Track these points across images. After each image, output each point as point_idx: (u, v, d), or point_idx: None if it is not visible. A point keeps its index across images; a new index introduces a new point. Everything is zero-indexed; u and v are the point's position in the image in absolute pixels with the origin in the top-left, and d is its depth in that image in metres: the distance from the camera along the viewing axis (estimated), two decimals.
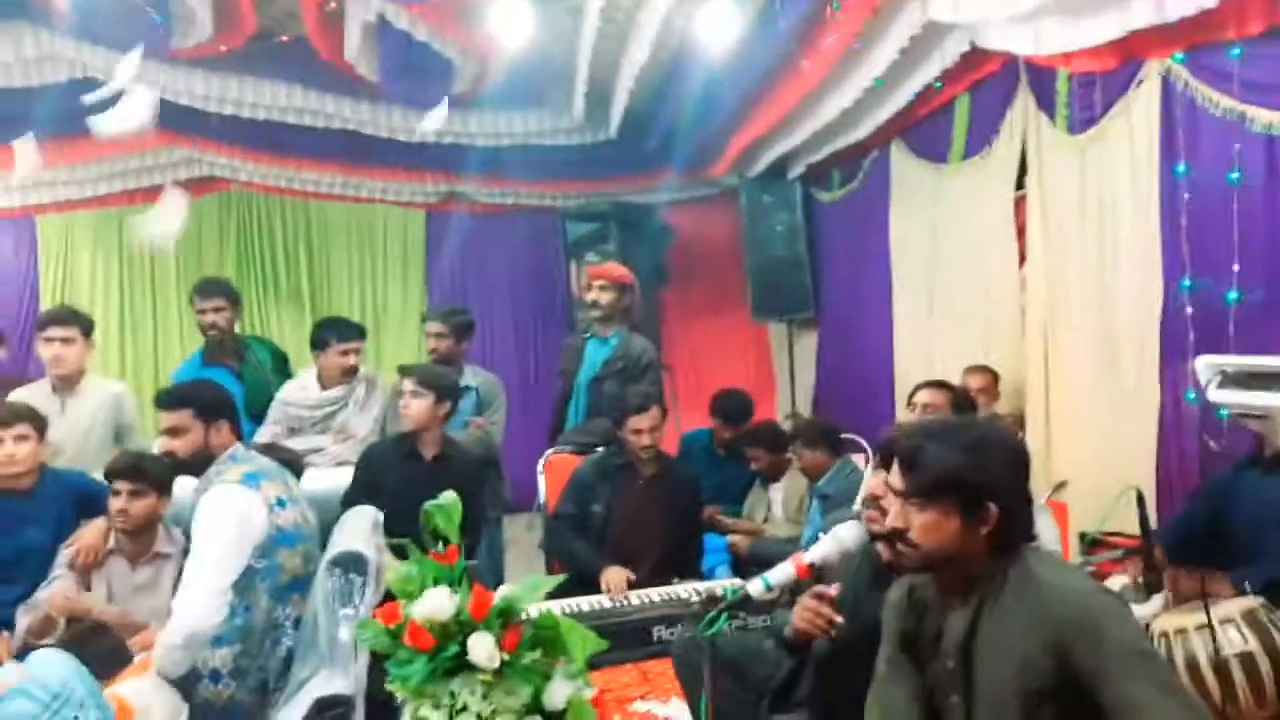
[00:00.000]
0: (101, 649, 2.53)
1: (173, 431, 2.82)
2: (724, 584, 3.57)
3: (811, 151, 6.28)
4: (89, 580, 3.08)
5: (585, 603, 3.49)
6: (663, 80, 5.81)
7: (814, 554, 2.14)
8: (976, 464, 1.73)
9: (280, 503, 2.78)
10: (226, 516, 2.65)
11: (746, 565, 4.02)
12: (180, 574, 3.02)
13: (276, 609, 2.72)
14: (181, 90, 5.57)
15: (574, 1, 5.18)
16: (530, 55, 5.20)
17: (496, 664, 1.85)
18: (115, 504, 3.02)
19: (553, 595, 3.71)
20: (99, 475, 3.54)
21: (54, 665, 2.16)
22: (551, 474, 4.17)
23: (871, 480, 2.27)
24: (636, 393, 3.89)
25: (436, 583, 1.94)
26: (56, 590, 2.95)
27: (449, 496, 2.12)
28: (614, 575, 3.55)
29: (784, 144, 6.24)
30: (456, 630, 1.87)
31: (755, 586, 2.06)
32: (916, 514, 1.76)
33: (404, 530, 2.41)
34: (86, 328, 3.70)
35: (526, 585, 2.00)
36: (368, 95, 5.96)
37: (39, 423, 3.24)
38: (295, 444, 3.83)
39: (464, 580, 1.95)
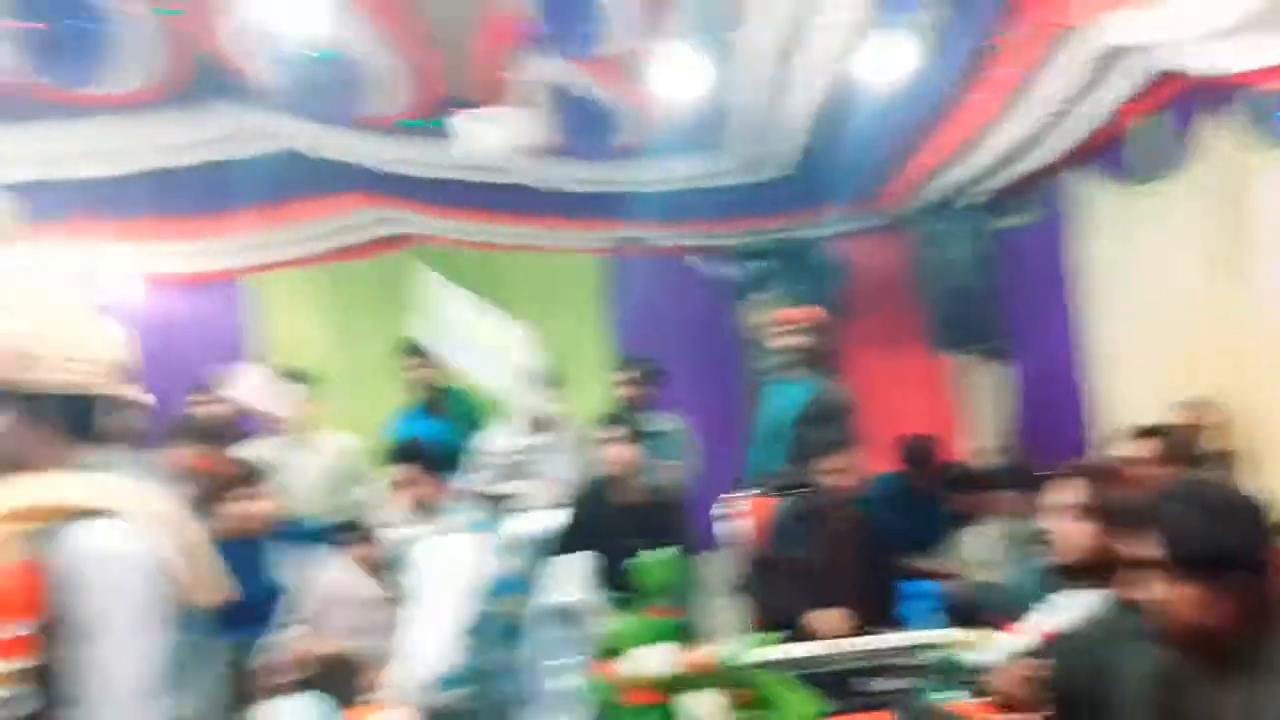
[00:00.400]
0: (344, 683, 2.71)
1: (403, 483, 3.04)
2: (935, 636, 3.43)
3: (989, 177, 6.14)
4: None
5: (782, 650, 3.45)
6: (829, 116, 5.83)
7: (1056, 621, 2.08)
8: (1237, 534, 1.69)
9: (500, 550, 2.94)
10: (453, 563, 2.82)
11: (951, 612, 3.90)
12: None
13: (498, 653, 2.86)
14: (374, 155, 5.97)
15: (736, 44, 5.29)
16: (694, 100, 5.33)
17: None
18: (356, 550, 3.28)
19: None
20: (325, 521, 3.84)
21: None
22: (744, 519, 4.19)
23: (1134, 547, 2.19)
24: (830, 436, 3.88)
25: (655, 638, 2.00)
26: (302, 632, 3.21)
27: (662, 550, 2.19)
28: (828, 620, 3.48)
29: (959, 172, 6.13)
30: (677, 687, 1.93)
31: (992, 654, 2.02)
32: (1176, 587, 1.71)
33: (611, 574, 2.49)
34: (312, 386, 4.05)
35: (744, 644, 2.04)
36: (540, 150, 6.23)
37: (268, 479, 3.57)
38: (497, 487, 4.01)
39: (682, 636, 2.01)
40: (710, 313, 7.60)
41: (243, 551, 3.50)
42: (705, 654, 1.93)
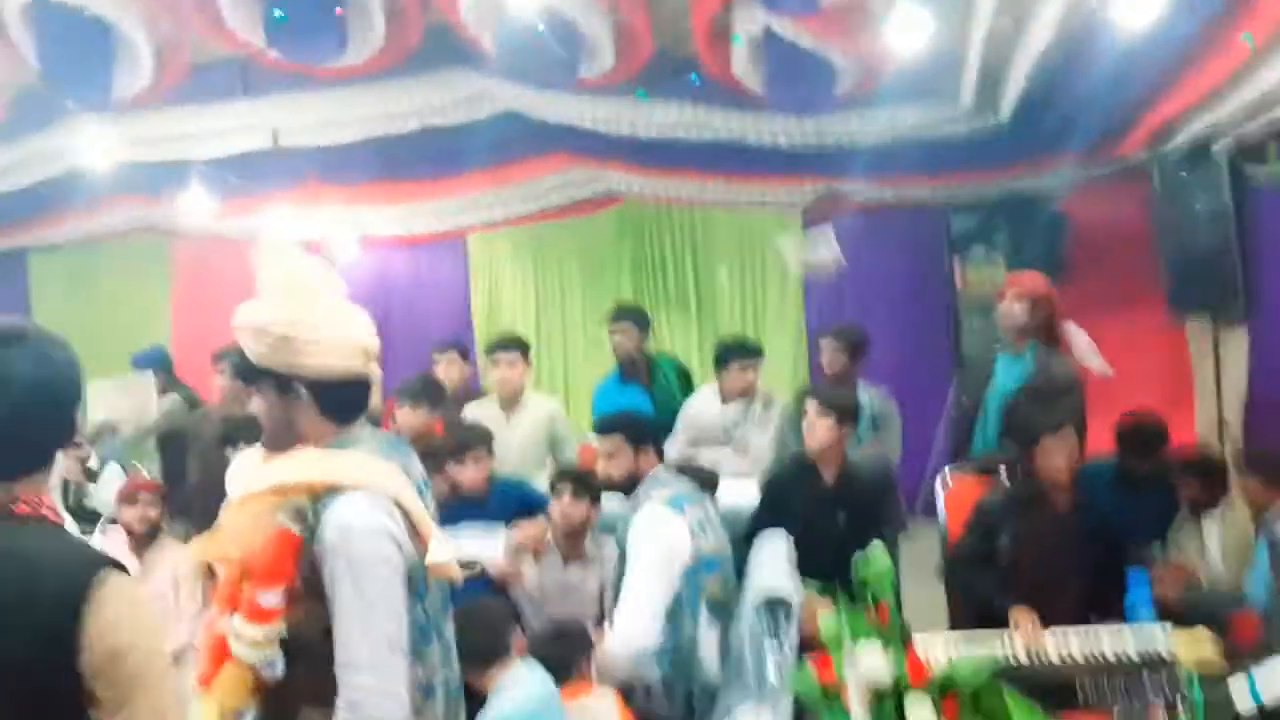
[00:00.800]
0: (564, 655, 2.79)
1: (608, 455, 3.10)
2: (1156, 637, 3.15)
3: (1243, 123, 5.52)
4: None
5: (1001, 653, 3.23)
6: (1065, 60, 5.38)
7: None
8: None
9: (702, 528, 2.96)
10: (658, 541, 2.86)
11: (1177, 617, 3.53)
12: (602, 582, 3.33)
13: (700, 631, 2.90)
14: (586, 116, 6.06)
15: None
16: (915, 48, 5.05)
17: None
18: (558, 506, 3.39)
19: (955, 625, 3.59)
20: (537, 484, 3.98)
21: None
22: (952, 502, 4.01)
23: None
24: (1050, 414, 3.55)
25: (871, 637, 1.96)
26: (499, 558, 3.37)
27: (873, 542, 2.13)
28: (1024, 617, 3.24)
29: (1208, 117, 5.54)
30: (891, 692, 1.88)
31: (1242, 700, 1.83)
32: None
33: (810, 554, 2.42)
34: (526, 351, 4.19)
35: (971, 664, 1.95)
36: (751, 106, 6.11)
37: (491, 443, 3.72)
38: (697, 456, 4.04)
39: (899, 640, 1.95)
40: (922, 275, 7.26)
41: (462, 516, 3.69)
42: (922, 667, 1.86)
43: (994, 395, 4.18)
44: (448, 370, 4.64)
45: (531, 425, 4.18)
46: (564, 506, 3.37)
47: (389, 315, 7.74)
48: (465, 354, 5.01)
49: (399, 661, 1.75)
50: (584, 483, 3.36)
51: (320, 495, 1.80)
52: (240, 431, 3.96)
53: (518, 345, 4.17)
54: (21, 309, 8.09)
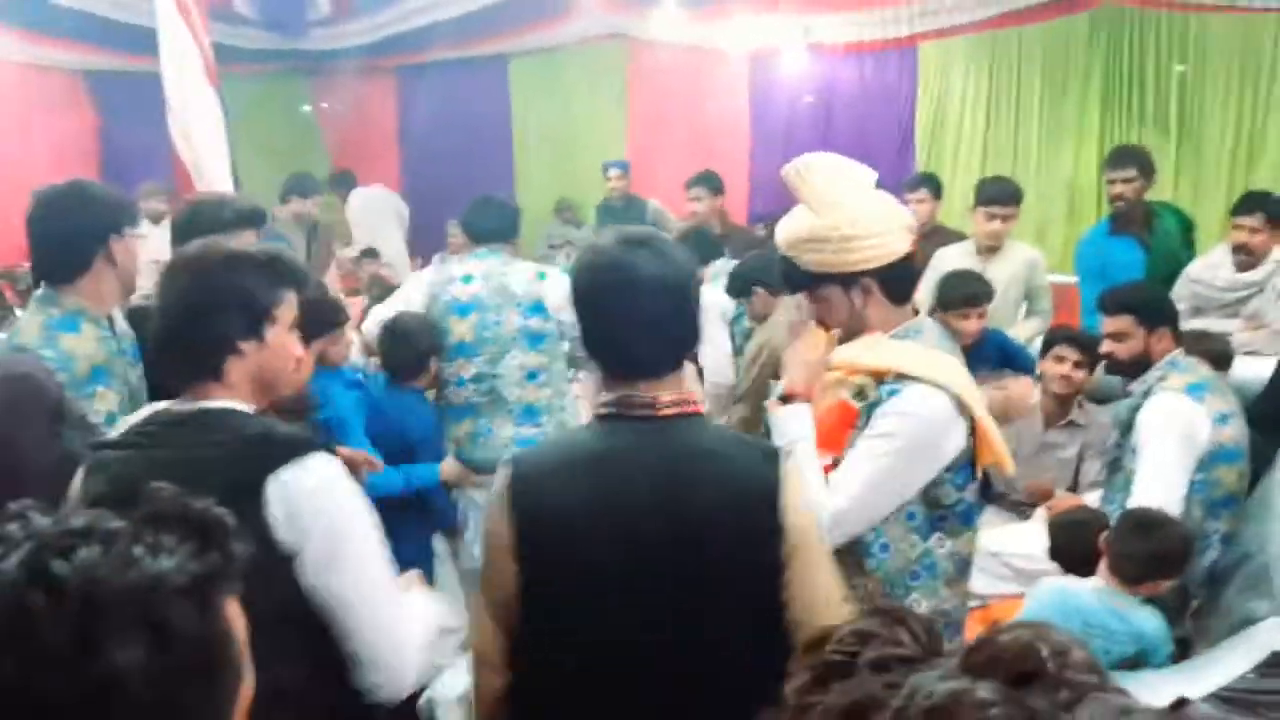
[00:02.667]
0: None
1: (1116, 336, 2.98)
2: None
3: None
4: None
5: None
6: None
7: None
8: None
9: (1223, 417, 2.82)
10: (1174, 426, 2.77)
11: None
12: (1082, 450, 3.33)
13: (1207, 521, 2.83)
14: None
15: None
16: None
17: None
18: (1057, 369, 3.38)
19: None
20: (1012, 333, 3.97)
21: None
22: None
23: None
24: None
25: None
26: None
27: None
28: None
29: None
30: None
31: None
32: None
33: None
34: (1019, 202, 4.04)
35: None
36: None
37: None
38: (1198, 325, 3.77)
39: None
40: None
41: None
42: None
43: None
44: (919, 209, 4.61)
45: (1010, 272, 4.09)
46: (1064, 370, 3.35)
47: (830, 124, 7.74)
48: (938, 191, 4.92)
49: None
50: (1089, 350, 3.29)
51: (885, 379, 1.97)
52: None
53: (1016, 200, 4.02)
54: (504, 106, 9.08)
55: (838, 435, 2.04)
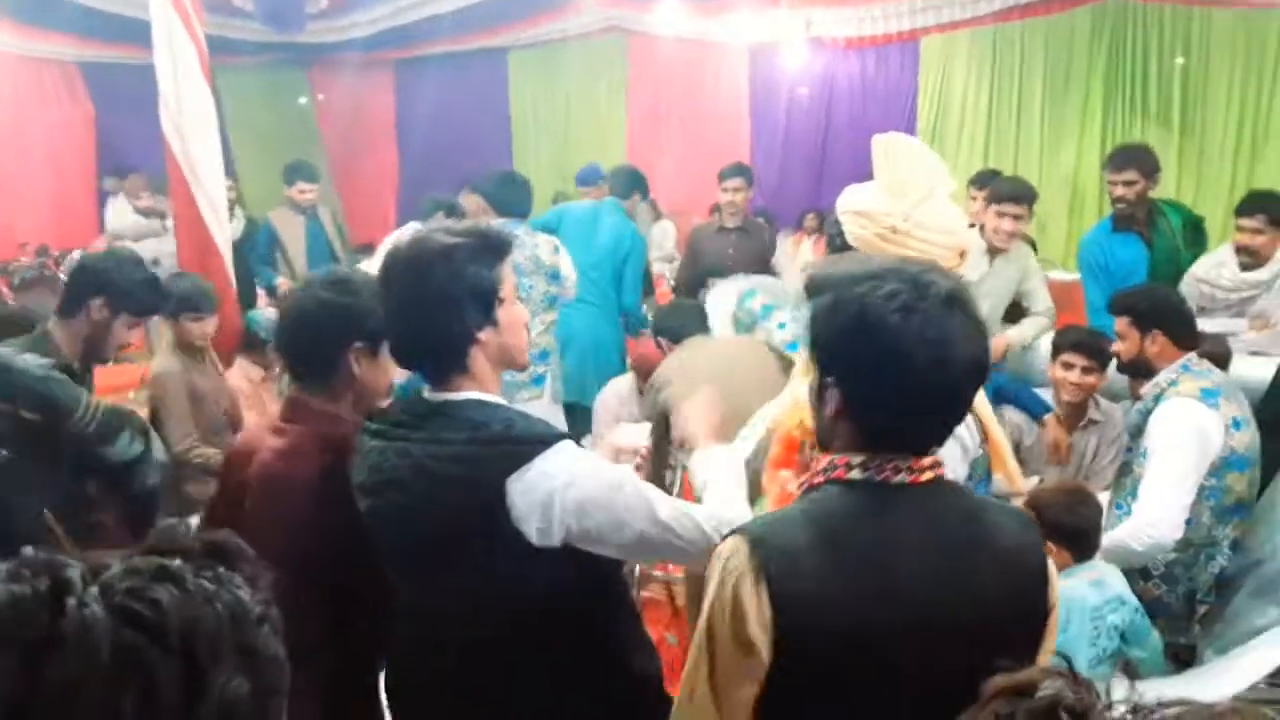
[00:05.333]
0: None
1: (1118, 335, 2.95)
2: None
3: None
4: None
5: None
6: None
7: None
8: None
9: (1236, 424, 2.77)
10: (1188, 433, 2.72)
11: None
12: (1099, 445, 3.30)
13: (1216, 528, 2.78)
14: None
15: None
16: None
17: None
18: (1068, 376, 3.35)
19: None
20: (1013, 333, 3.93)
21: None
22: None
23: None
24: None
25: None
26: None
27: None
28: None
29: None
30: None
31: None
32: None
33: None
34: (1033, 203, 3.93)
35: None
36: None
37: None
38: (1203, 325, 3.72)
39: None
40: None
41: None
42: None
43: None
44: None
45: (1006, 276, 4.01)
46: (1074, 378, 3.32)
47: (831, 118, 7.69)
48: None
49: None
50: (1097, 355, 3.27)
51: None
52: None
53: (1031, 200, 3.90)
54: (503, 100, 9.03)
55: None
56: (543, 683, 1.59)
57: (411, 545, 1.58)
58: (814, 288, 1.30)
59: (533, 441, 1.52)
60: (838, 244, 2.07)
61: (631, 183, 5.02)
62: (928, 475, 1.27)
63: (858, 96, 7.53)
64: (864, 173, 2.14)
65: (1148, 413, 2.86)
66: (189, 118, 3.77)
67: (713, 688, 1.27)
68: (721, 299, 3.64)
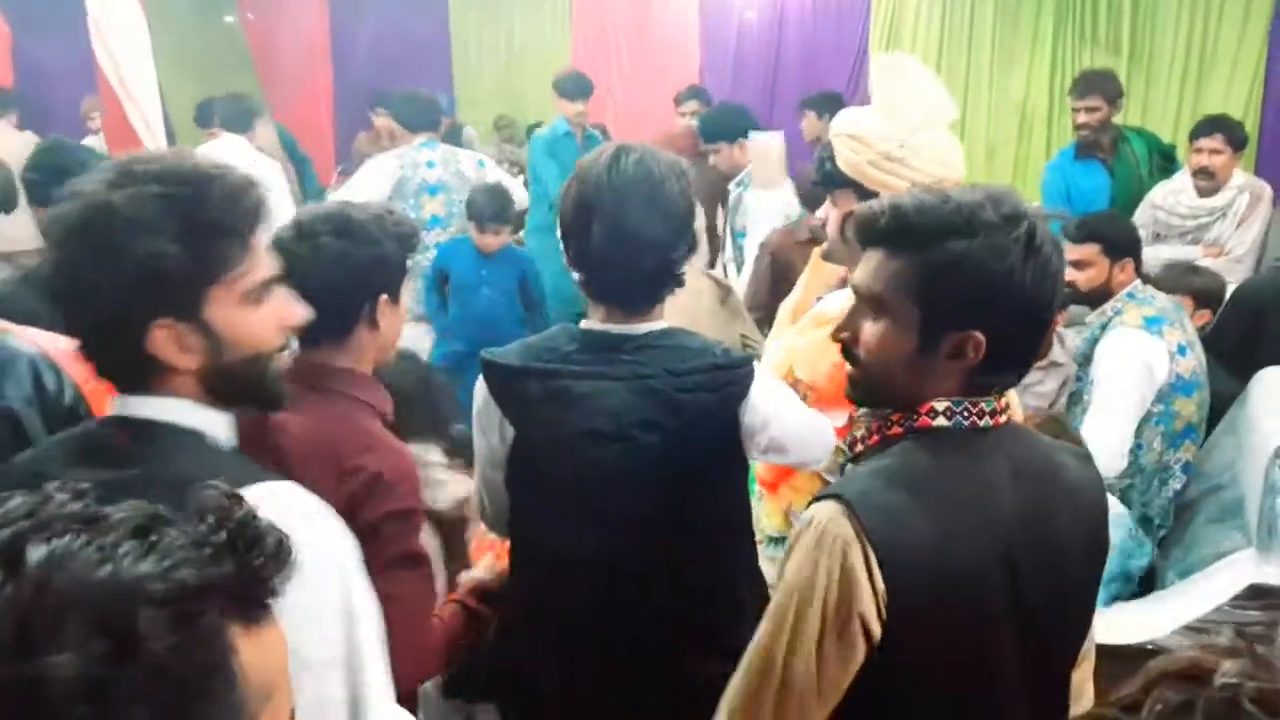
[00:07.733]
0: None
1: (1078, 264, 2.93)
2: None
3: None
4: None
5: None
6: None
7: None
8: None
9: (1181, 349, 2.80)
10: (1130, 363, 2.75)
11: None
12: (1063, 386, 3.33)
13: (1167, 453, 2.84)
14: None
15: None
16: None
17: None
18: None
19: None
20: None
21: None
22: None
23: None
24: None
25: None
26: None
27: None
28: None
29: None
30: None
31: None
32: None
33: None
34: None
35: None
36: None
37: None
38: (1159, 252, 3.77)
39: None
40: None
41: None
42: None
43: None
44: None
45: None
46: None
47: (782, 42, 7.54)
48: None
49: None
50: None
51: None
52: None
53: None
54: (442, 22, 8.69)
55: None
56: (712, 598, 1.64)
57: (667, 479, 1.56)
58: (900, 235, 1.20)
59: (749, 364, 1.62)
60: (827, 169, 1.99)
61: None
62: (1004, 416, 1.25)
63: (808, 20, 7.38)
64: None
65: (1094, 341, 2.89)
66: (118, 35, 3.53)
67: (811, 663, 1.17)
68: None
